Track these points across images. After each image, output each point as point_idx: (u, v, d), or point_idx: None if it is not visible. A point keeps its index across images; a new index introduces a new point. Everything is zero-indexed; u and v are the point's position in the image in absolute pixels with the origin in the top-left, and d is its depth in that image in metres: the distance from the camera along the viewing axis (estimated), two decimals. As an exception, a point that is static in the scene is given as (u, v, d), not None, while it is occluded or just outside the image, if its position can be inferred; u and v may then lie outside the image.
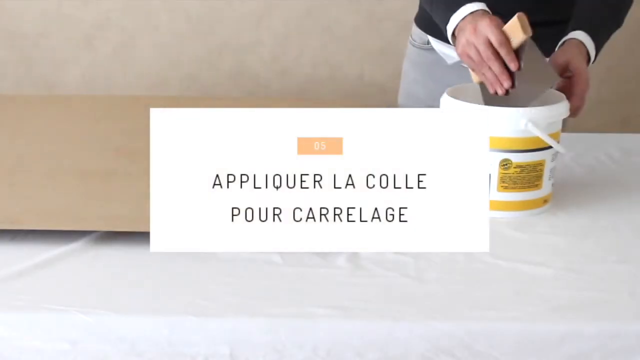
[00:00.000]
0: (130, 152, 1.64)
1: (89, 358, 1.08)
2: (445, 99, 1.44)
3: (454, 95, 1.43)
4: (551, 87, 1.45)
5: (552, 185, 1.43)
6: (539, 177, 1.40)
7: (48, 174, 1.52)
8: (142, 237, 1.29)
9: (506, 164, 1.38)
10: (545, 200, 1.42)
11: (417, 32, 1.88)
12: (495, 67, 1.41)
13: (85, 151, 1.65)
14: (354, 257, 1.25)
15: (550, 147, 1.38)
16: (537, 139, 1.36)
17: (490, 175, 1.38)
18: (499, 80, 1.41)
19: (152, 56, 2.84)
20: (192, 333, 1.08)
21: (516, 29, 1.41)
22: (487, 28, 1.41)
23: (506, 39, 1.40)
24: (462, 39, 1.44)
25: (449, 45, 1.62)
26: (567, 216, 1.41)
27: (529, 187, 1.39)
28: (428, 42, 1.84)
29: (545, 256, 1.26)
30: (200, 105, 2.03)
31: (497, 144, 1.37)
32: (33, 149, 1.68)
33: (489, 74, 1.42)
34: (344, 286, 1.17)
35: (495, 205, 1.39)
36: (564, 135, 1.43)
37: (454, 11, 1.48)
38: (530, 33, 1.40)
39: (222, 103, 2.09)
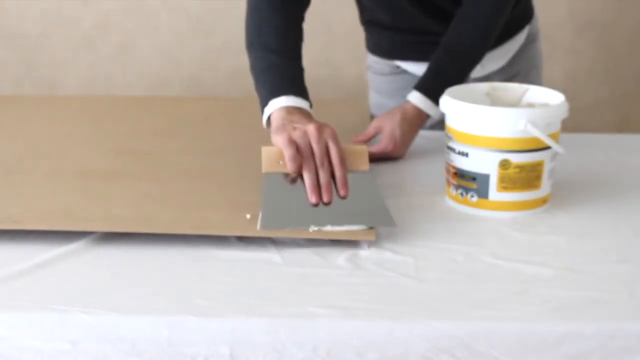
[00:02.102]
0: (130, 152, 1.64)
1: (89, 358, 1.08)
2: (445, 99, 1.44)
3: (454, 96, 1.43)
4: (377, 226, 1.32)
5: (552, 185, 1.43)
6: (538, 178, 1.40)
7: (48, 174, 1.52)
8: (142, 237, 1.29)
9: (505, 164, 1.38)
10: (544, 201, 1.42)
11: (376, 60, 1.93)
12: (324, 177, 1.35)
13: (85, 151, 1.65)
14: (354, 257, 1.25)
15: (549, 147, 1.38)
16: (536, 139, 1.36)
17: (489, 175, 1.38)
18: (319, 191, 1.34)
19: (152, 56, 2.85)
20: (192, 333, 1.08)
21: (362, 158, 1.40)
22: (331, 136, 1.37)
23: (345, 160, 1.37)
24: (297, 130, 1.37)
25: (424, 63, 1.71)
26: (567, 216, 1.41)
27: (528, 187, 1.39)
28: (398, 67, 1.89)
29: (545, 256, 1.27)
30: (200, 105, 2.04)
31: (497, 144, 1.37)
32: (33, 149, 1.68)
33: (311, 178, 1.35)
34: (344, 286, 1.17)
35: (494, 205, 1.40)
36: (563, 135, 1.44)
37: (277, 96, 1.46)
38: (368, 166, 1.41)
39: (222, 103, 2.10)
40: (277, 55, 1.53)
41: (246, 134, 1.67)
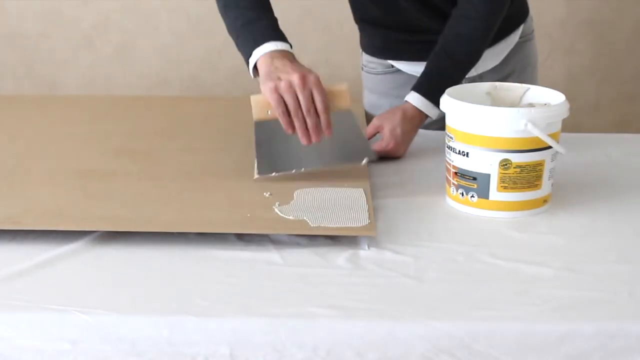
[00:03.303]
0: (130, 152, 1.64)
1: (89, 358, 1.08)
2: (445, 99, 1.44)
3: (454, 96, 1.43)
4: (363, 162, 1.52)
5: (552, 185, 1.43)
6: (539, 177, 1.40)
7: (48, 174, 1.52)
8: (142, 237, 1.29)
9: (506, 164, 1.38)
10: (545, 200, 1.42)
11: (370, 59, 1.93)
12: (311, 122, 1.46)
13: (85, 151, 1.65)
14: (354, 257, 1.25)
15: (550, 147, 1.38)
16: (537, 139, 1.36)
17: (490, 175, 1.38)
18: (308, 133, 1.47)
19: (152, 56, 2.85)
20: (192, 333, 1.08)
21: (343, 97, 1.50)
22: (315, 84, 1.47)
23: (328, 105, 1.48)
24: (283, 81, 1.47)
25: (417, 62, 1.74)
26: (567, 216, 1.41)
27: (528, 187, 1.39)
28: (392, 66, 1.89)
29: (545, 256, 1.26)
30: (200, 105, 2.04)
31: (497, 144, 1.37)
32: (33, 149, 1.68)
33: (300, 124, 1.46)
34: (344, 286, 1.17)
35: (495, 205, 1.40)
36: (563, 135, 1.44)
37: (259, 45, 1.55)
38: (350, 104, 1.51)
39: (222, 103, 2.10)
40: (251, 11, 1.61)
41: (246, 134, 1.67)
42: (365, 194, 1.42)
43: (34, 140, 1.73)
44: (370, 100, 1.95)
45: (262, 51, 1.54)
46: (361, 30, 1.93)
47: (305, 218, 1.32)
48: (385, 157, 1.65)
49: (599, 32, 2.85)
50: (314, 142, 1.47)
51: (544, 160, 1.39)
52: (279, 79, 1.47)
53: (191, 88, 2.86)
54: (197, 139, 1.75)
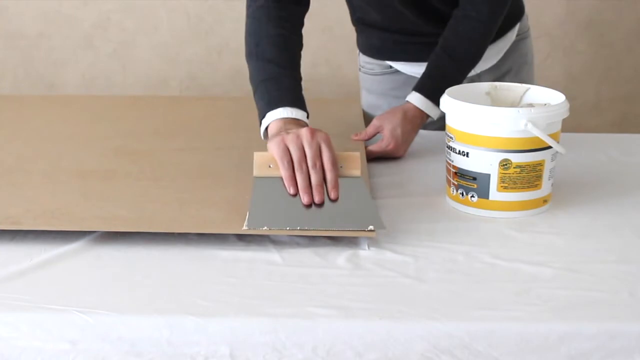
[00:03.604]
0: (130, 152, 1.64)
1: (89, 358, 1.08)
2: (445, 99, 1.44)
3: (454, 96, 1.43)
4: (368, 229, 1.29)
5: (552, 185, 1.43)
6: (539, 177, 1.40)
7: (47, 174, 1.52)
8: (142, 237, 1.29)
9: (506, 164, 1.38)
10: (545, 201, 1.42)
11: (367, 60, 1.93)
12: (316, 178, 1.36)
13: (85, 151, 1.65)
14: (354, 257, 1.25)
15: (550, 147, 1.38)
16: (537, 139, 1.36)
17: (490, 175, 1.38)
18: (310, 191, 1.34)
19: (151, 56, 2.84)
20: (192, 333, 1.08)
21: (354, 163, 1.40)
22: (324, 140, 1.39)
23: (337, 163, 1.38)
24: (290, 135, 1.39)
25: (415, 63, 1.75)
26: (567, 216, 1.41)
27: (528, 187, 1.39)
28: (390, 67, 1.89)
29: (545, 256, 1.26)
30: (200, 105, 2.04)
31: (497, 144, 1.37)
32: (33, 149, 1.68)
33: (303, 178, 1.35)
34: (344, 286, 1.17)
35: (495, 205, 1.40)
36: (563, 135, 1.44)
37: (274, 108, 1.48)
38: (360, 172, 1.41)
39: (222, 103, 2.10)
40: (275, 66, 1.54)
41: (246, 134, 1.67)
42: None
43: (34, 140, 1.73)
44: (368, 100, 1.95)
45: (276, 116, 1.47)
46: (358, 31, 1.93)
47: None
48: (385, 157, 1.65)
49: (599, 32, 2.85)
50: (316, 205, 1.34)
51: (544, 160, 1.39)
52: (287, 133, 1.41)
53: (191, 88, 2.86)
54: (197, 139, 1.75)
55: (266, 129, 1.49)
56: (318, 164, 1.37)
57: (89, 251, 1.27)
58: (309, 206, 1.34)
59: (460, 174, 1.41)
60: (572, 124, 1.60)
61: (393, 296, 1.15)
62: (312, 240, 1.29)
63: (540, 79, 1.97)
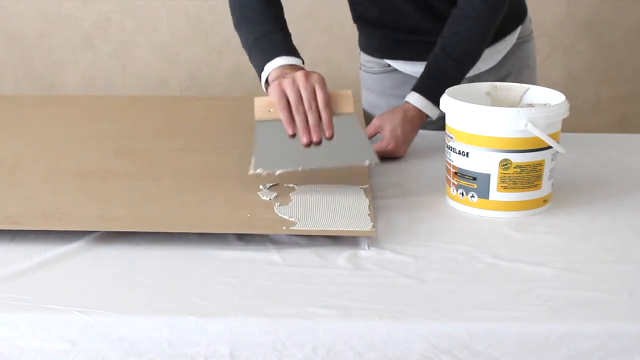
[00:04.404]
0: (130, 152, 1.64)
1: (89, 358, 1.08)
2: (445, 99, 1.44)
3: (454, 96, 1.43)
4: (365, 164, 1.46)
5: (552, 185, 1.43)
6: (539, 177, 1.40)
7: (48, 174, 1.52)
8: (142, 237, 1.29)
9: (506, 164, 1.38)
10: (545, 200, 1.42)
11: (368, 59, 1.93)
12: (313, 118, 1.44)
13: (85, 151, 1.65)
14: (354, 257, 1.25)
15: (550, 147, 1.38)
16: (537, 139, 1.36)
17: (490, 175, 1.38)
18: (309, 131, 1.43)
19: (151, 56, 2.85)
20: (192, 333, 1.08)
21: (347, 101, 1.48)
22: (319, 81, 1.46)
23: (330, 103, 1.45)
24: (286, 79, 1.46)
25: (414, 62, 1.77)
26: (567, 216, 1.41)
27: (528, 187, 1.39)
28: (389, 66, 1.89)
29: (545, 256, 1.26)
30: (200, 105, 2.04)
31: (497, 144, 1.37)
32: (33, 149, 1.68)
33: (300, 121, 1.44)
34: (344, 286, 1.17)
35: (495, 205, 1.40)
36: (563, 135, 1.44)
37: (270, 59, 1.55)
38: (353, 109, 1.48)
39: (222, 103, 2.10)
40: (264, 25, 1.62)
41: (246, 134, 1.66)
42: (365, 194, 1.42)
43: (34, 140, 1.73)
44: (368, 99, 1.95)
45: (274, 65, 1.54)
46: (359, 29, 1.93)
47: (305, 218, 1.32)
48: (385, 157, 1.65)
49: (599, 32, 2.85)
50: (314, 144, 1.44)
51: (544, 160, 1.39)
52: (284, 77, 1.47)
53: (191, 88, 2.86)
54: (197, 139, 1.75)
55: (267, 81, 1.54)
56: (314, 105, 1.44)
57: (89, 251, 1.27)
58: (308, 145, 1.43)
59: (460, 174, 1.41)
60: (572, 124, 1.60)
61: (393, 296, 1.15)
62: (312, 240, 1.29)
63: (540, 79, 1.97)
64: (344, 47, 2.71)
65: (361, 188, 1.44)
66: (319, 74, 1.47)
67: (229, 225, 1.31)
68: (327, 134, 1.44)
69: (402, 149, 1.66)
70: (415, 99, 1.65)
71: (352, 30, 1.96)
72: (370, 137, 1.68)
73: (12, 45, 2.84)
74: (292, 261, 1.24)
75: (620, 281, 1.19)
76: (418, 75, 1.70)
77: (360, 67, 1.98)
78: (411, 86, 1.68)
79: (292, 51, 1.58)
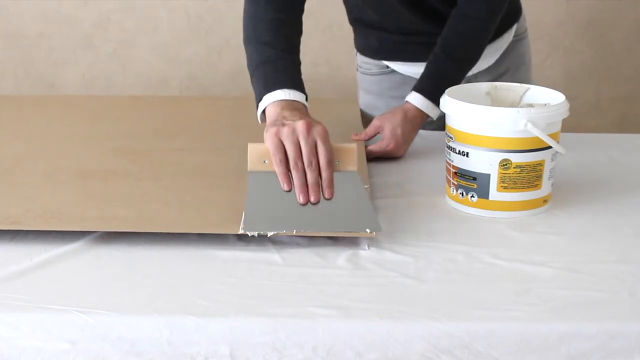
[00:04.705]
0: (130, 152, 1.64)
1: (89, 358, 1.08)
2: (445, 99, 1.44)
3: (454, 96, 1.43)
4: (366, 231, 1.29)
5: (552, 185, 1.43)
6: (539, 177, 1.40)
7: (47, 174, 1.52)
8: (142, 237, 1.29)
9: (506, 164, 1.38)
10: (545, 201, 1.42)
11: (365, 60, 1.93)
12: (312, 177, 1.33)
13: (85, 151, 1.65)
14: (354, 257, 1.25)
15: (550, 147, 1.38)
16: (537, 139, 1.36)
17: (490, 175, 1.38)
18: (306, 190, 1.33)
19: (151, 56, 2.85)
20: (192, 333, 1.08)
21: (350, 158, 1.37)
22: (321, 135, 1.35)
23: (333, 161, 1.35)
24: (286, 127, 1.35)
25: (412, 63, 1.76)
26: (567, 216, 1.41)
27: (528, 187, 1.39)
28: (387, 67, 1.89)
29: (545, 256, 1.26)
30: (200, 105, 2.04)
31: (497, 144, 1.37)
32: (33, 149, 1.68)
33: (299, 177, 1.33)
34: (344, 286, 1.17)
35: (495, 205, 1.40)
36: (563, 135, 1.44)
37: (270, 90, 1.44)
38: (356, 167, 1.38)
39: (222, 103, 2.09)
40: (272, 49, 1.51)
41: (246, 134, 1.66)
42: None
43: (34, 140, 1.73)
44: (365, 101, 1.95)
45: (273, 98, 1.44)
46: (356, 31, 1.93)
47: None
48: (385, 157, 1.65)
49: (599, 32, 2.85)
50: (312, 203, 1.33)
51: (544, 160, 1.39)
52: (283, 124, 1.37)
53: (191, 88, 2.86)
54: (197, 139, 1.75)
55: (263, 113, 1.47)
56: (314, 162, 1.34)
57: (89, 251, 1.27)
58: (304, 204, 1.33)
59: (460, 174, 1.41)
60: (572, 124, 1.60)
61: (393, 296, 1.15)
62: (312, 240, 1.29)
63: (540, 79, 1.97)
64: (344, 47, 2.71)
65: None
66: (322, 126, 1.36)
67: (229, 225, 1.31)
68: (327, 194, 1.34)
69: (402, 149, 1.66)
70: (416, 99, 1.65)
71: (352, 30, 1.96)
72: (370, 138, 1.68)
73: (12, 45, 2.84)
74: (292, 261, 1.24)
75: (620, 281, 1.19)
76: (417, 76, 1.70)
77: (357, 69, 1.97)
78: (410, 87, 1.68)
79: (297, 84, 1.47)
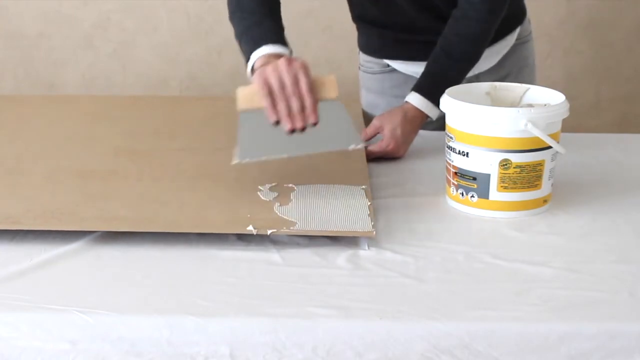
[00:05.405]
0: (130, 152, 1.64)
1: (89, 358, 1.08)
2: (445, 99, 1.44)
3: (454, 96, 1.43)
4: (351, 148, 1.41)
5: (552, 185, 1.43)
6: (539, 177, 1.40)
7: (48, 174, 1.52)
8: (142, 237, 1.29)
9: (506, 164, 1.38)
10: (545, 201, 1.42)
11: (367, 59, 1.93)
12: (295, 105, 1.39)
13: (85, 151, 1.65)
14: (354, 257, 1.25)
15: (550, 147, 1.38)
16: (537, 139, 1.36)
17: (490, 175, 1.38)
18: (292, 117, 1.39)
19: (151, 56, 2.85)
20: (192, 333, 1.08)
21: (330, 86, 1.43)
22: (300, 69, 1.41)
23: (313, 88, 1.41)
24: (269, 66, 1.43)
25: (413, 62, 1.76)
26: (567, 216, 1.41)
27: (528, 187, 1.39)
28: (388, 66, 1.89)
29: (545, 256, 1.26)
30: (200, 105, 2.04)
31: (497, 144, 1.37)
32: (33, 149, 1.68)
33: (283, 107, 1.39)
34: (344, 286, 1.17)
35: (495, 205, 1.40)
36: (563, 135, 1.44)
37: (257, 47, 1.51)
38: (337, 94, 1.44)
39: (222, 103, 2.09)
40: (256, 15, 1.59)
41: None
42: (366, 194, 1.42)
43: (34, 140, 1.73)
44: (367, 99, 1.95)
45: (260, 53, 1.50)
46: (359, 29, 1.93)
47: (305, 219, 1.32)
48: (385, 157, 1.65)
49: (599, 32, 2.85)
50: (298, 131, 1.39)
51: (544, 160, 1.39)
52: (267, 65, 1.44)
53: (191, 88, 2.86)
54: (197, 139, 1.75)
55: (252, 69, 1.51)
56: (296, 91, 1.39)
57: (89, 251, 1.27)
58: (291, 132, 1.38)
59: (460, 174, 1.41)
60: (572, 124, 1.60)
61: (393, 296, 1.15)
62: (312, 240, 1.29)
63: (540, 79, 1.97)
64: (344, 47, 2.71)
65: (361, 188, 1.44)
66: (303, 60, 1.43)
67: (229, 225, 1.31)
68: (311, 120, 1.40)
69: (402, 149, 1.66)
70: (415, 99, 1.65)
71: (352, 30, 1.96)
72: (370, 138, 1.68)
73: (12, 45, 2.84)
74: (292, 261, 1.24)
75: (620, 281, 1.19)
76: (418, 75, 1.70)
77: (359, 67, 1.98)
78: (411, 86, 1.68)
79: (280, 39, 1.54)
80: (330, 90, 1.44)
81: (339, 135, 1.40)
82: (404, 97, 1.68)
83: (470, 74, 1.73)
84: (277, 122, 1.40)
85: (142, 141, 1.72)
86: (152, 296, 1.15)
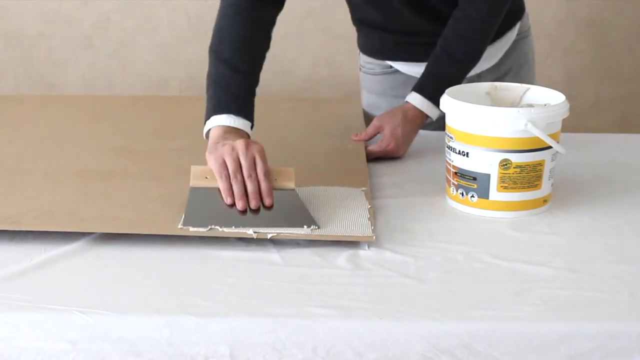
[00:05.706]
0: (130, 152, 1.64)
1: (89, 358, 1.08)
2: (445, 99, 1.44)
3: (454, 96, 1.43)
4: (304, 228, 1.31)
5: (552, 185, 1.43)
6: (539, 177, 1.40)
7: (48, 174, 1.52)
8: (142, 237, 1.29)
9: (506, 164, 1.38)
10: (545, 201, 1.42)
11: (368, 60, 1.93)
12: (251, 187, 1.36)
13: (85, 151, 1.65)
14: (354, 257, 1.25)
15: (550, 147, 1.38)
16: (537, 139, 1.36)
17: (490, 175, 1.38)
18: (245, 198, 1.35)
19: (151, 56, 2.84)
20: (192, 333, 1.08)
21: (288, 176, 1.41)
22: (259, 152, 1.39)
23: (270, 176, 1.39)
24: (226, 146, 1.39)
25: (415, 63, 1.76)
26: (567, 216, 1.41)
27: (528, 187, 1.39)
28: (390, 67, 1.89)
29: (545, 256, 1.26)
30: (200, 105, 2.04)
31: (497, 144, 1.37)
32: (33, 149, 1.68)
33: (239, 187, 1.36)
34: (344, 286, 1.17)
35: (495, 205, 1.40)
36: (563, 135, 1.44)
37: (218, 113, 1.47)
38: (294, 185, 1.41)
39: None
40: (229, 69, 1.53)
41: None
42: (365, 195, 1.42)
43: (34, 140, 1.73)
44: (368, 100, 1.95)
45: (218, 122, 1.47)
46: (359, 31, 1.93)
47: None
48: (385, 157, 1.65)
49: (599, 32, 2.84)
50: (252, 212, 1.34)
51: (544, 160, 1.39)
52: (223, 145, 1.41)
53: (191, 88, 2.86)
54: (197, 139, 1.74)
55: (208, 131, 1.49)
56: (253, 174, 1.37)
57: (89, 251, 1.27)
58: (244, 211, 1.34)
59: (460, 174, 1.41)
60: (572, 124, 1.60)
61: (393, 296, 1.15)
62: (312, 241, 1.29)
63: (540, 79, 1.97)
64: (344, 47, 2.71)
65: (361, 190, 1.44)
66: (260, 145, 1.40)
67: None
68: (267, 202, 1.36)
69: (402, 149, 1.66)
70: (416, 99, 1.65)
71: (352, 31, 1.96)
72: (370, 138, 1.68)
73: (12, 45, 2.84)
74: (292, 261, 1.24)
75: (620, 281, 1.19)
76: (419, 76, 1.70)
77: (359, 68, 1.98)
78: (412, 87, 1.68)
79: (244, 111, 1.49)
80: (287, 181, 1.41)
81: (293, 216, 1.33)
82: (405, 98, 1.68)
83: (472, 72, 1.73)
84: (232, 205, 1.35)
85: (142, 141, 1.72)
86: (152, 296, 1.15)
